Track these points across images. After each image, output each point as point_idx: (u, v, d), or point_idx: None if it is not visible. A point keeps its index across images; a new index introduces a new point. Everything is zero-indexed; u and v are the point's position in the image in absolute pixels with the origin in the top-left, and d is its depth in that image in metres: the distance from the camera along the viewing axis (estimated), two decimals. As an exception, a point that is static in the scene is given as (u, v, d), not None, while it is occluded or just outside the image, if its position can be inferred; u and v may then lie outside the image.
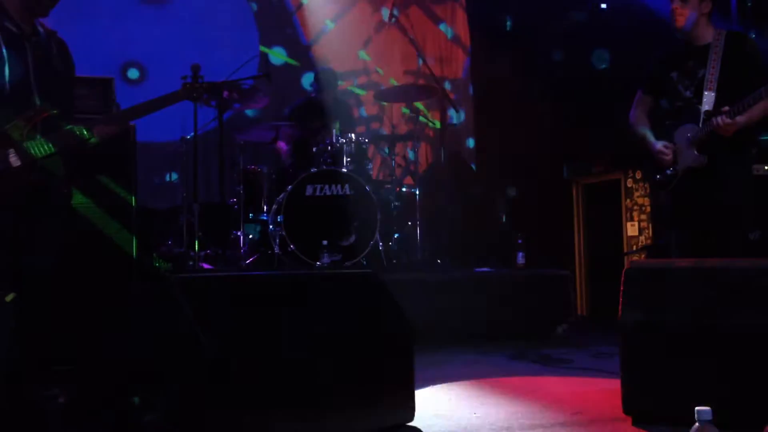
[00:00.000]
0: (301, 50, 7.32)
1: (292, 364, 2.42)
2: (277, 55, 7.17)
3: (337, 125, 5.55)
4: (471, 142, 7.91)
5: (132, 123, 4.05)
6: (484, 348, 4.56)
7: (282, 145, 5.70)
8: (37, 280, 2.88)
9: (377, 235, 5.14)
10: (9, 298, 1.97)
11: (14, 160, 2.95)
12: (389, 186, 5.68)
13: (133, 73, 6.43)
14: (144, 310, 2.77)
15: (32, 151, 3.00)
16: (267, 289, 2.84)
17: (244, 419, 2.26)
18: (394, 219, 5.57)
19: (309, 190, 5.02)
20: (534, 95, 6.81)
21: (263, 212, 5.37)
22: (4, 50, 3.00)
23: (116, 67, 6.28)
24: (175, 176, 6.03)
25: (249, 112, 6.66)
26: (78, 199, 3.84)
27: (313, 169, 5.13)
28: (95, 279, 3.85)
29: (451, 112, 6.61)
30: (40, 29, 3.20)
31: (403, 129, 7.15)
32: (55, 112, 3.14)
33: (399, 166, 6.01)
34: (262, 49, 7.08)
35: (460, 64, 7.99)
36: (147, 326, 2.56)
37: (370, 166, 5.83)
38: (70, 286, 3.29)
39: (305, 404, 2.41)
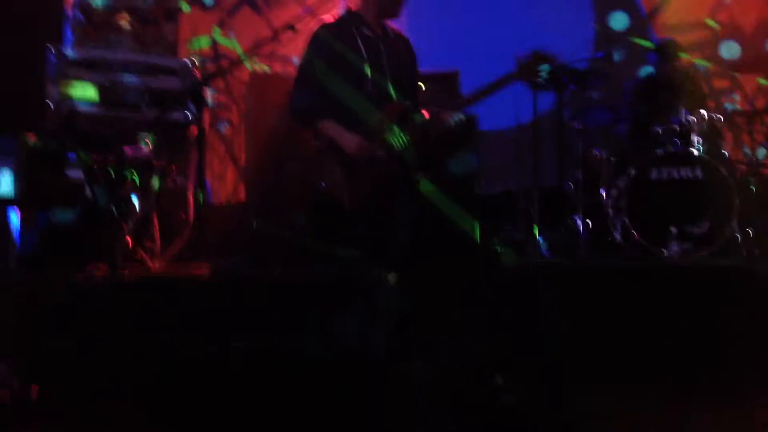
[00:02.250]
0: (641, 23, 6.86)
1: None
2: (616, 29, 6.82)
3: (684, 102, 5.07)
4: None
5: (475, 112, 4.19)
6: None
7: (622, 127, 5.41)
8: (401, 263, 3.13)
9: (734, 223, 4.58)
10: (391, 277, 2.15)
11: (379, 151, 3.23)
12: (746, 168, 5.03)
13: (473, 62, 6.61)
14: (500, 294, 2.83)
15: (392, 142, 3.26)
16: (614, 278, 2.69)
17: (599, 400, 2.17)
18: (754, 204, 4.91)
19: (654, 174, 4.68)
20: None
21: (602, 197, 5.15)
22: (364, 52, 3.31)
23: (457, 56, 6.49)
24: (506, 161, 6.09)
25: (587, 95, 6.45)
26: (425, 185, 4.09)
27: (659, 151, 4.76)
28: (445, 263, 4.07)
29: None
30: (389, 30, 3.46)
31: (761, 103, 6.29)
32: (408, 104, 3.38)
33: (760, 144, 5.28)
34: (598, 28, 6.80)
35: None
36: (503, 309, 2.61)
37: (723, 145, 5.22)
38: (423, 270, 3.52)
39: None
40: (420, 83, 3.65)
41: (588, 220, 5.08)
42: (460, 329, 3.78)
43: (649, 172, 4.71)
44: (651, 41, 6.28)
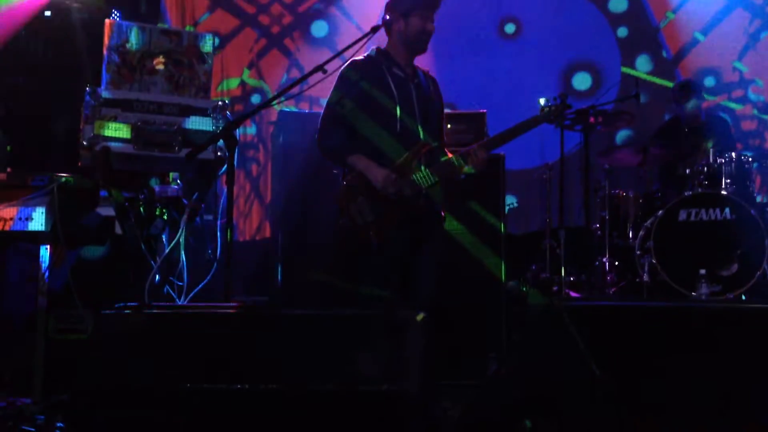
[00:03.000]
0: (666, 67, 6.88)
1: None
2: (641, 75, 6.84)
3: (710, 144, 5.05)
4: None
5: (501, 152, 4.20)
6: None
7: (650, 167, 5.39)
8: (428, 302, 3.12)
9: (765, 265, 4.52)
10: (419, 317, 2.14)
11: (407, 190, 3.25)
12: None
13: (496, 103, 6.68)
14: (531, 335, 2.80)
15: (419, 182, 3.28)
16: (647, 319, 2.65)
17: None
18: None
19: (683, 215, 4.65)
20: None
21: (629, 238, 5.11)
22: (395, 92, 3.34)
23: (482, 97, 6.55)
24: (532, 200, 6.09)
25: (614, 135, 6.45)
26: (451, 224, 4.10)
27: (688, 193, 4.73)
28: (467, 301, 4.06)
29: None
30: (418, 70, 3.50)
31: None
32: (435, 144, 3.41)
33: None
34: (624, 70, 6.82)
35: None
36: (532, 350, 2.58)
37: (753, 187, 5.17)
38: (447, 307, 3.50)
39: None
40: (446, 123, 3.68)
41: (615, 261, 5.04)
42: (487, 371, 3.75)
43: (677, 212, 4.68)
44: (676, 82, 6.29)
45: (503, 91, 6.39)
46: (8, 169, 2.72)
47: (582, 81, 6.72)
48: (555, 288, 4.65)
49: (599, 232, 5.13)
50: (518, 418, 2.34)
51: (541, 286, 4.89)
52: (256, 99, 6.76)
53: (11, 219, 2.63)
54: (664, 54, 6.90)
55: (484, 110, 4.45)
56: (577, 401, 2.33)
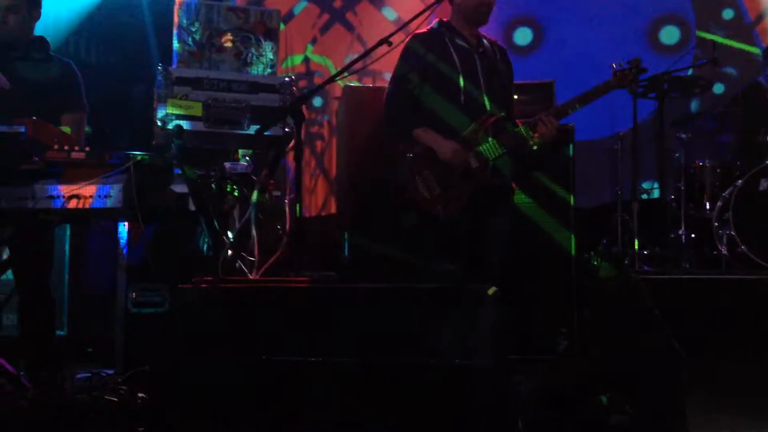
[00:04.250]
0: (744, 30, 6.54)
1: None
2: (717, 38, 6.53)
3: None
4: None
5: (570, 122, 4.10)
6: None
7: (725, 136, 5.16)
8: (493, 275, 3.09)
9: None
10: (491, 291, 2.12)
11: (473, 162, 3.21)
12: None
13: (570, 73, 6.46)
14: (604, 309, 2.74)
15: (486, 154, 3.23)
16: (727, 292, 2.56)
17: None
18: None
19: (764, 185, 4.44)
20: None
21: (706, 210, 4.92)
22: (458, 63, 3.29)
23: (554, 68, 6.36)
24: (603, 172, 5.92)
25: (689, 103, 6.20)
26: (520, 197, 4.03)
27: (768, 161, 4.52)
28: (536, 275, 4.00)
29: None
30: (484, 40, 3.43)
31: None
32: (502, 115, 3.34)
33: None
34: (699, 34, 6.53)
35: None
36: (607, 325, 2.53)
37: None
38: (515, 281, 3.46)
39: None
40: (514, 94, 3.60)
41: (692, 233, 4.87)
42: (558, 346, 3.69)
43: (757, 182, 4.48)
44: (758, 47, 5.99)
45: (574, 59, 6.18)
46: (86, 148, 2.80)
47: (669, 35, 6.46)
48: (627, 262, 4.53)
49: (674, 204, 4.96)
50: (593, 394, 2.30)
51: (613, 260, 4.77)
52: (319, 74, 6.78)
53: (90, 197, 2.71)
54: (743, 18, 6.56)
55: (552, 79, 4.34)
56: (655, 376, 2.28)
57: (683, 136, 5.03)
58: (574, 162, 4.16)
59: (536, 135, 3.24)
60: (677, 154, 5.01)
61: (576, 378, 2.34)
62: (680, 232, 4.76)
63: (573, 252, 4.08)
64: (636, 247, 4.49)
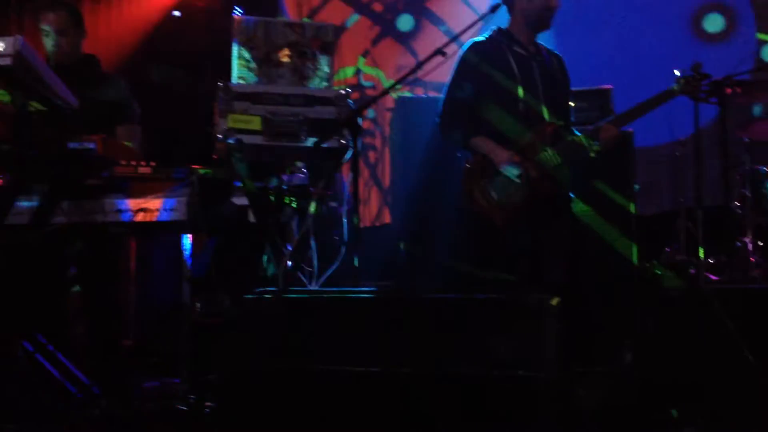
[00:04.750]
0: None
1: None
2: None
3: None
4: None
5: (629, 129, 4.03)
6: None
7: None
8: (553, 285, 3.05)
9: None
10: (554, 301, 2.10)
11: (532, 171, 3.18)
12: None
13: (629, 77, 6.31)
14: (672, 320, 2.68)
15: (544, 163, 3.20)
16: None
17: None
18: None
19: (834, 190, 4.29)
20: None
21: (774, 216, 4.77)
22: (516, 71, 3.27)
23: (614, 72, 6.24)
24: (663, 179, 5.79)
25: (756, 108, 6.01)
26: (578, 206, 3.97)
27: (839, 165, 4.36)
28: (597, 285, 3.93)
29: None
30: (541, 48, 3.40)
31: None
32: (561, 123, 3.31)
33: None
34: (760, 36, 6.34)
35: None
36: (675, 336, 2.47)
37: None
38: (576, 292, 3.40)
39: None
40: (571, 102, 3.56)
41: (759, 241, 4.72)
42: (621, 358, 3.61)
43: (828, 187, 4.32)
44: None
45: (632, 65, 6.04)
46: (152, 163, 2.89)
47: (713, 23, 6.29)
48: (692, 271, 4.41)
49: (740, 211, 4.81)
50: (662, 407, 2.24)
51: (678, 269, 4.66)
52: (370, 85, 6.83)
53: (157, 210, 2.80)
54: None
55: (610, 86, 4.28)
56: (728, 389, 2.21)
57: (746, 140, 4.89)
58: (634, 169, 4.09)
59: (596, 143, 3.19)
60: (741, 160, 4.87)
61: (643, 391, 2.28)
62: (747, 240, 4.61)
63: (635, 261, 4.00)
64: (701, 255, 4.36)
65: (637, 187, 4.30)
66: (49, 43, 3.39)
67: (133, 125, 3.50)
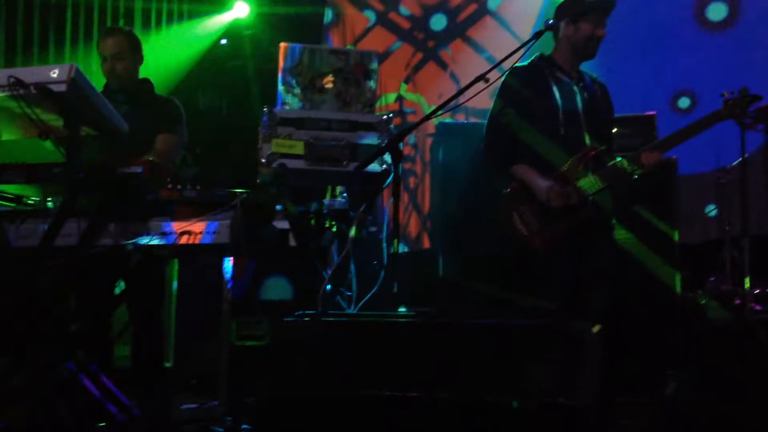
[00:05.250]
0: None
1: None
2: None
3: None
4: None
5: (673, 155, 3.98)
6: None
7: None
8: (600, 314, 3.00)
9: None
10: (595, 329, 2.07)
11: (573, 197, 3.16)
12: None
13: (684, 102, 6.19)
14: (717, 351, 2.61)
15: (586, 188, 3.17)
16: None
17: None
18: None
19: None
20: None
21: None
22: (558, 97, 3.26)
23: (667, 98, 6.14)
24: (711, 208, 5.68)
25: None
26: (620, 233, 3.92)
27: None
28: (640, 314, 3.86)
29: None
30: (584, 74, 3.39)
31: None
32: (603, 148, 3.28)
33: None
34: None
35: None
36: (719, 367, 2.40)
37: None
38: (618, 320, 3.35)
39: None
40: (614, 127, 3.53)
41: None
42: (664, 388, 3.53)
43: None
44: None
45: (704, 88, 5.90)
46: (197, 187, 2.94)
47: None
48: (738, 301, 4.30)
49: (788, 240, 4.69)
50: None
51: (723, 299, 4.55)
52: (412, 111, 6.88)
53: (200, 233, 2.84)
54: None
55: (654, 112, 4.23)
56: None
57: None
58: (678, 196, 4.02)
59: (639, 168, 3.16)
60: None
61: (686, 423, 2.22)
62: (796, 269, 4.48)
63: (678, 290, 3.92)
64: (747, 285, 4.26)
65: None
66: (105, 68, 3.50)
67: (174, 135, 3.48)
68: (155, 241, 2.86)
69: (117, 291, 3.47)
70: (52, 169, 2.72)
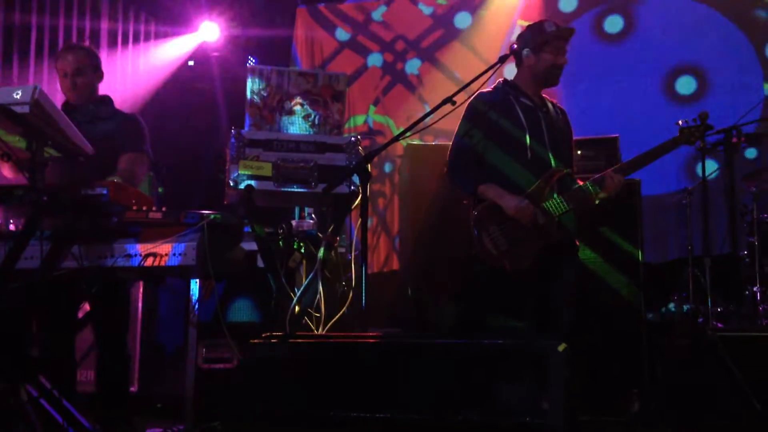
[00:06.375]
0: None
1: None
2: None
3: None
4: None
5: (637, 177, 4.05)
6: None
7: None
8: (559, 332, 3.04)
9: None
10: (561, 348, 2.10)
11: (540, 218, 3.20)
12: None
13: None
14: (680, 368, 2.65)
15: (552, 210, 3.22)
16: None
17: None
18: None
19: (843, 239, 4.28)
20: None
21: (781, 266, 4.75)
22: (524, 121, 3.32)
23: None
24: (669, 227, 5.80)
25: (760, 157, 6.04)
26: (585, 253, 3.98)
27: None
28: (604, 333, 3.90)
29: None
30: (546, 100, 3.46)
31: None
32: (567, 171, 3.34)
33: None
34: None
35: None
36: (683, 384, 2.44)
37: None
38: (582, 339, 3.38)
39: None
40: (578, 149, 3.60)
41: (766, 290, 4.70)
42: (629, 407, 3.57)
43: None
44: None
45: (638, 114, 6.09)
46: (163, 208, 2.92)
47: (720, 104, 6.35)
48: (701, 320, 4.38)
49: (747, 260, 4.80)
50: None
51: (685, 318, 4.63)
52: (380, 133, 6.92)
53: (166, 255, 2.81)
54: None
55: (617, 134, 4.32)
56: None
57: (754, 189, 4.91)
58: (642, 217, 4.10)
59: (602, 191, 3.23)
60: (749, 209, 4.88)
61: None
62: (755, 289, 4.59)
63: (642, 309, 3.98)
64: (709, 304, 4.35)
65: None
66: (65, 84, 3.46)
67: (138, 154, 3.44)
68: (120, 263, 2.82)
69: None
70: (14, 192, 2.68)
